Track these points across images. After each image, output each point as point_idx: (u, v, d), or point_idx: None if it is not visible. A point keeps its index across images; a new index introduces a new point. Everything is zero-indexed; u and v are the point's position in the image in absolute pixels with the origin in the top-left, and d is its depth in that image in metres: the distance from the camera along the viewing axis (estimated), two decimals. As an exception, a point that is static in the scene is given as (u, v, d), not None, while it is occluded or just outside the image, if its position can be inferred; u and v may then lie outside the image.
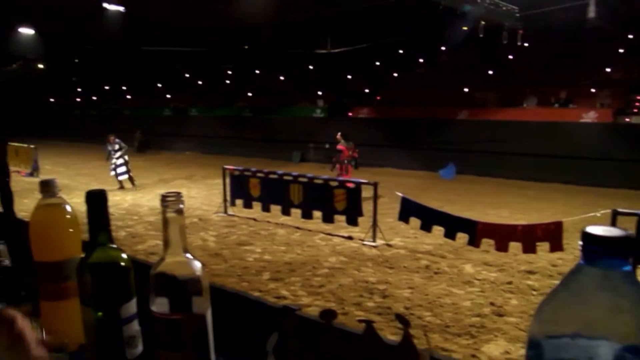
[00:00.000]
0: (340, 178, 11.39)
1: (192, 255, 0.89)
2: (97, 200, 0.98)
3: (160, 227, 0.89)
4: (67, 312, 1.21)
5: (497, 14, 16.29)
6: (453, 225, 8.27)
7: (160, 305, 0.88)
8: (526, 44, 19.36)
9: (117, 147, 14.97)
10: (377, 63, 26.78)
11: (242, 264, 8.23)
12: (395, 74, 26.74)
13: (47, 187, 1.23)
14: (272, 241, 9.54)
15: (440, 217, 8.57)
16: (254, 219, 11.15)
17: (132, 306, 0.99)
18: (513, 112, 19.75)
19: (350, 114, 24.89)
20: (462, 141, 18.55)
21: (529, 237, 7.38)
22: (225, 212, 11.69)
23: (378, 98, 26.03)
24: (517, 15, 17.00)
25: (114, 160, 15.03)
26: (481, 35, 16.17)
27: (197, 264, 0.89)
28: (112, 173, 15.10)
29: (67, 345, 1.05)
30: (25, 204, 9.68)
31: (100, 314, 0.97)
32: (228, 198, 11.75)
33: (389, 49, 23.76)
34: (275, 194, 10.79)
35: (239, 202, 11.53)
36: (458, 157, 18.10)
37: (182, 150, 27.15)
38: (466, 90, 22.79)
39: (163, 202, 0.87)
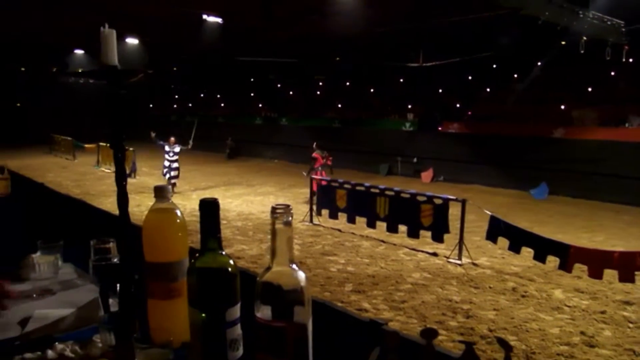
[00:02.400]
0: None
1: (297, 266, 0.94)
2: (209, 209, 1.05)
3: (269, 237, 0.94)
4: (172, 311, 1.29)
5: (601, 29, 15.56)
6: (543, 247, 7.98)
7: (264, 312, 0.93)
8: (631, 60, 18.39)
9: (177, 149, 15.10)
10: (470, 77, 26.31)
11: (325, 273, 8.30)
12: (488, 89, 26.13)
13: (161, 193, 1.32)
14: (356, 253, 9.56)
15: (530, 238, 8.29)
16: (339, 230, 11.23)
17: (236, 311, 1.05)
18: (613, 131, 18.74)
19: (439, 128, 24.52)
20: (557, 160, 17.83)
21: (627, 264, 6.97)
22: (311, 221, 11.85)
23: (469, 113, 25.52)
24: (623, 29, 16.19)
25: (167, 163, 15.18)
26: (582, 51, 15.49)
27: (302, 275, 0.94)
28: (167, 176, 15.19)
29: (172, 342, 1.13)
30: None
31: (206, 315, 1.04)
32: (314, 208, 11.91)
33: (482, 63, 23.28)
34: (361, 206, 10.82)
35: (325, 212, 11.66)
36: (551, 176, 17.40)
37: (271, 158, 27.73)
38: (563, 107, 21.91)
39: (273, 214, 0.92)
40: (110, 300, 1.53)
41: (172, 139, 15.28)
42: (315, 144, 15.10)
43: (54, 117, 32.45)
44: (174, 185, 15.16)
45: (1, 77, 32.02)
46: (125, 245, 1.45)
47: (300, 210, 12.72)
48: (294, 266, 0.94)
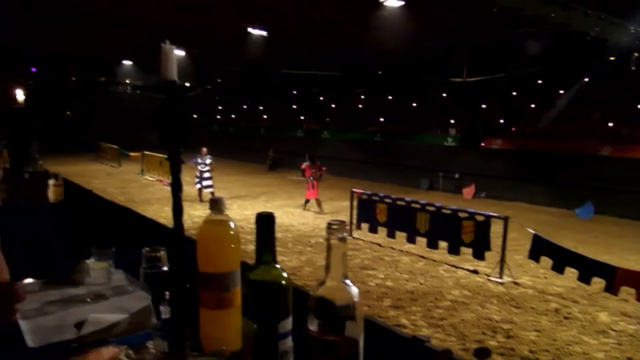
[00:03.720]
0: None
1: (350, 281, 0.96)
2: (266, 222, 1.08)
3: (324, 252, 0.97)
4: (223, 321, 1.32)
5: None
6: (588, 268, 7.79)
7: (317, 326, 0.95)
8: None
9: (208, 160, 15.49)
10: (514, 93, 26.00)
11: (363, 288, 8.27)
12: (533, 105, 25.76)
13: (216, 205, 1.36)
14: (396, 268, 9.51)
15: (574, 258, 8.11)
16: (379, 244, 11.18)
17: (288, 323, 1.07)
18: (663, 151, 18.23)
19: (482, 144, 24.25)
20: (603, 179, 17.40)
21: (677, 289, 6.76)
22: (351, 234, 11.83)
23: (513, 129, 25.18)
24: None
25: (199, 174, 15.55)
26: (633, 68, 15.12)
27: (355, 291, 0.95)
28: (198, 185, 15.59)
29: (224, 352, 1.15)
30: (165, 211, 10.47)
31: (258, 327, 1.06)
32: (354, 221, 11.90)
33: (527, 78, 22.99)
34: (401, 220, 10.76)
35: (364, 226, 11.64)
36: (597, 195, 16.97)
37: (311, 171, 27.83)
38: (611, 124, 21.42)
39: (328, 229, 0.94)
40: (162, 308, 1.58)
41: (204, 149, 15.69)
42: (307, 155, 15.89)
43: (101, 125, 33.37)
44: (212, 194, 15.40)
45: (53, 86, 33.14)
46: (178, 254, 1.48)
47: (340, 223, 12.70)
48: (347, 281, 0.95)
